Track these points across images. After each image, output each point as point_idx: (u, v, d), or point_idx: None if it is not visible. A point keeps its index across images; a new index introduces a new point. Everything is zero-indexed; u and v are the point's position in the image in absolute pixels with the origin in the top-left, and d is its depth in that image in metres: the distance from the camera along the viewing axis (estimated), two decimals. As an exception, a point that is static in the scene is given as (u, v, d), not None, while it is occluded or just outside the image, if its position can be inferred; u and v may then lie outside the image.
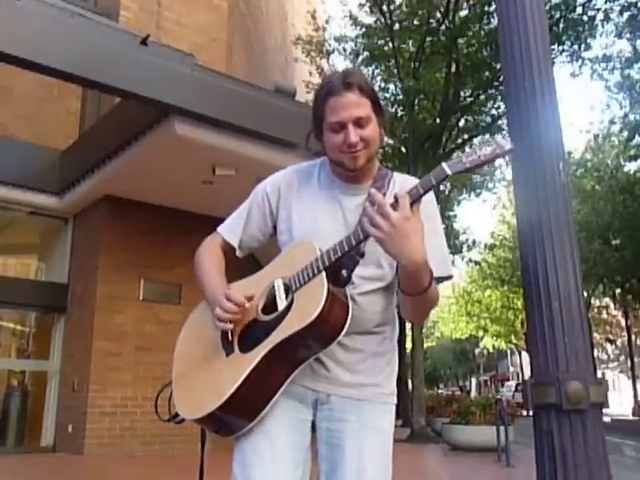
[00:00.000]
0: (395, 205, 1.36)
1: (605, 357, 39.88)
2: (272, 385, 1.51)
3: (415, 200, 1.38)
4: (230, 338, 1.58)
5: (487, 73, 14.50)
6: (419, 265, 1.39)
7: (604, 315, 35.89)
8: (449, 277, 1.64)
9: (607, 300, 32.76)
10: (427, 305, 1.56)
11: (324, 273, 1.48)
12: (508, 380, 49.75)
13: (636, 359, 30.83)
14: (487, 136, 17.68)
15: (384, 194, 1.58)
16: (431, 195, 1.57)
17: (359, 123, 1.55)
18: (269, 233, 1.76)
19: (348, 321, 1.47)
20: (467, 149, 19.01)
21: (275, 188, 1.73)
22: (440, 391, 45.12)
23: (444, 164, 1.39)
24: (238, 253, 1.78)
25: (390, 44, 15.18)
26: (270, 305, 1.55)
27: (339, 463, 1.55)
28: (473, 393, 51.09)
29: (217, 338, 1.61)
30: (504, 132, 16.52)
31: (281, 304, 1.52)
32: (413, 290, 1.46)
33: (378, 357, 1.64)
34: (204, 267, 1.74)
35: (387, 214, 1.34)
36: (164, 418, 1.70)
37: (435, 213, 1.68)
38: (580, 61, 14.74)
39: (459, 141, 16.89)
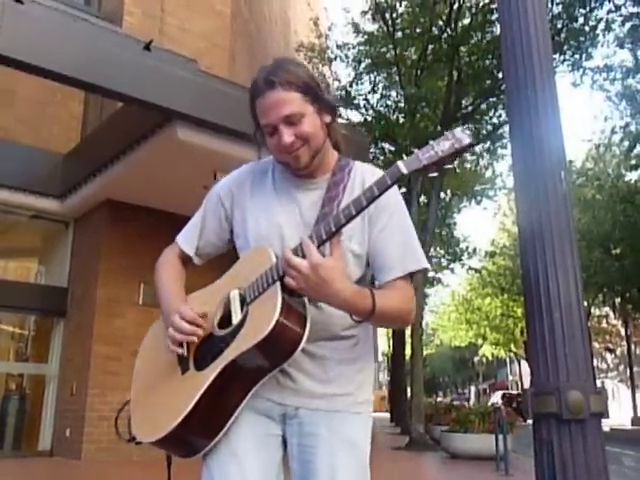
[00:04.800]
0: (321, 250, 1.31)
1: (605, 366, 39.80)
2: (231, 403, 1.43)
3: (371, 201, 1.31)
4: (186, 354, 1.49)
5: (489, 81, 14.53)
6: (348, 303, 1.36)
7: (604, 324, 35.85)
8: (423, 270, 1.53)
9: (607, 309, 32.75)
10: (386, 321, 1.51)
11: (278, 283, 1.37)
12: (505, 389, 49.73)
13: (635, 369, 30.77)
14: (488, 144, 17.80)
15: (344, 186, 1.52)
16: (392, 191, 1.46)
17: (290, 121, 1.45)
18: (227, 238, 1.67)
19: (306, 333, 1.37)
20: (468, 157, 19.11)
21: (228, 190, 1.66)
22: (439, 399, 45.07)
23: (400, 162, 1.30)
24: (196, 261, 1.71)
25: (392, 52, 15.23)
26: (227, 318, 1.46)
27: (310, 479, 1.46)
28: (472, 401, 50.96)
29: (172, 355, 1.53)
30: (505, 140, 16.59)
31: (236, 317, 1.42)
32: (358, 317, 1.41)
33: (349, 364, 1.54)
34: (161, 279, 1.67)
35: (295, 266, 1.31)
36: (125, 438, 1.61)
37: (397, 209, 1.56)
38: (581, 71, 14.77)
39: (460, 149, 16.89)
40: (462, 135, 1.28)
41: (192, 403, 1.38)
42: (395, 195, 1.56)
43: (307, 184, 1.57)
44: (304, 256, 1.32)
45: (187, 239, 1.69)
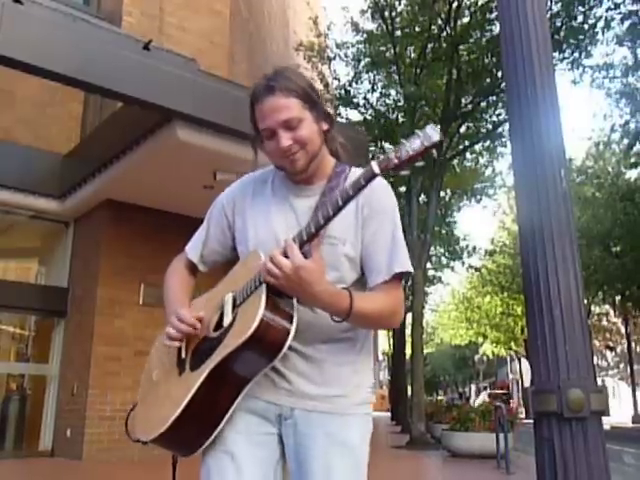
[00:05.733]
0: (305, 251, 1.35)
1: (605, 364, 39.80)
2: (223, 401, 1.46)
3: (347, 201, 1.34)
4: (183, 356, 1.55)
5: (488, 80, 14.52)
6: (325, 304, 1.41)
7: (604, 322, 35.84)
8: (407, 273, 1.55)
9: (607, 307, 32.75)
10: (368, 323, 1.53)
11: (264, 286, 1.39)
12: (506, 387, 49.77)
13: (636, 366, 30.77)
14: (487, 142, 17.79)
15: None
16: (386, 195, 1.56)
17: (289, 126, 1.49)
18: (230, 246, 1.72)
19: (291, 335, 1.39)
20: (468, 155, 19.11)
21: (230, 200, 1.71)
22: (440, 398, 45.11)
23: (373, 162, 1.33)
24: (201, 268, 1.77)
25: (391, 50, 15.21)
26: (221, 321, 1.50)
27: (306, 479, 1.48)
28: (473, 399, 50.99)
29: (173, 357, 1.60)
30: (505, 139, 16.58)
31: (226, 320, 1.47)
32: (337, 318, 1.44)
33: (346, 366, 1.55)
34: (167, 287, 1.76)
35: (278, 264, 1.34)
36: (133, 438, 1.64)
37: (389, 214, 1.58)
38: (581, 69, 14.77)
39: (460, 147, 16.91)
40: (432, 132, 1.29)
41: (184, 403, 1.41)
42: (388, 199, 1.59)
43: (304, 190, 1.60)
44: (288, 257, 1.35)
45: (193, 248, 1.76)
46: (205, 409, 1.45)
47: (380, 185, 1.56)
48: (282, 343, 1.38)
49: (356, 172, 1.57)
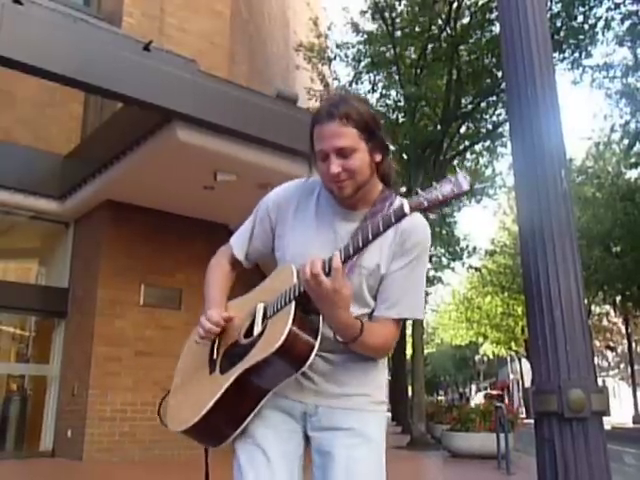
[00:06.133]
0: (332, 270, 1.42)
1: (605, 364, 39.78)
2: (247, 404, 1.57)
3: (376, 236, 1.42)
4: (215, 356, 1.66)
5: (488, 80, 14.53)
6: (339, 328, 1.51)
7: (604, 322, 35.82)
8: (415, 319, 1.72)
9: (607, 307, 32.71)
10: (362, 350, 1.60)
11: (293, 303, 1.49)
12: (506, 388, 49.80)
13: (636, 367, 30.75)
14: (488, 143, 17.79)
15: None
16: (419, 231, 1.63)
17: (342, 153, 1.54)
18: (271, 246, 1.80)
19: (315, 350, 1.48)
20: (468, 155, 19.11)
21: (276, 205, 1.76)
22: (440, 398, 45.16)
23: (405, 203, 1.39)
24: (245, 265, 1.85)
25: (392, 51, 15.21)
26: (252, 328, 1.60)
27: (329, 470, 1.58)
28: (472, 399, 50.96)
29: (206, 355, 1.70)
30: (505, 139, 16.57)
31: (256, 329, 1.56)
32: (341, 339, 1.54)
33: (366, 369, 1.66)
34: (208, 284, 1.81)
35: (320, 283, 1.42)
36: (166, 424, 1.75)
37: (420, 255, 1.65)
38: (581, 69, 14.78)
39: (460, 148, 16.92)
40: (463, 181, 1.35)
41: (210, 404, 1.54)
42: (424, 237, 1.66)
43: (347, 214, 1.66)
44: (329, 269, 1.43)
45: (239, 245, 1.83)
46: (231, 409, 1.56)
47: (420, 225, 1.64)
48: (307, 357, 1.48)
49: (399, 198, 1.64)
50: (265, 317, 1.57)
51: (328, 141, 1.54)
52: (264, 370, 1.50)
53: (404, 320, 1.67)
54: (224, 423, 1.59)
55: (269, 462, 1.59)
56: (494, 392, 40.75)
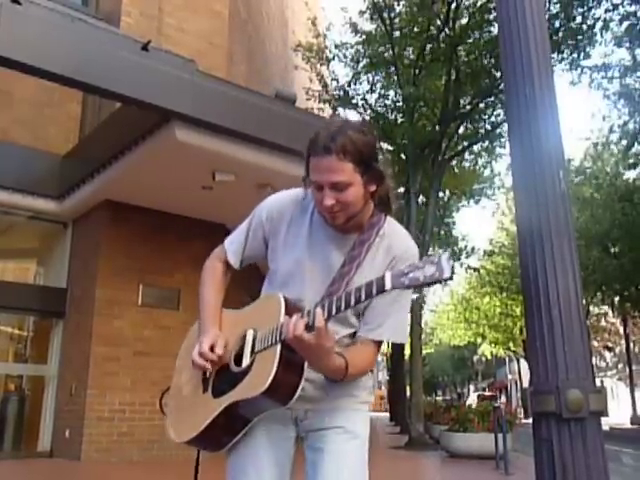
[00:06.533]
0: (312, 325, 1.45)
1: (603, 365, 39.82)
2: (237, 427, 1.67)
3: (358, 303, 1.44)
4: (207, 376, 1.73)
5: (487, 81, 14.54)
6: (325, 373, 1.58)
7: (602, 323, 35.86)
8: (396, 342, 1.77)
9: (606, 308, 32.74)
10: (352, 379, 1.67)
11: (279, 346, 1.52)
12: (504, 388, 49.87)
13: (634, 367, 30.79)
14: (486, 143, 17.78)
15: (368, 246, 1.66)
16: (409, 256, 1.66)
17: (336, 187, 1.56)
18: (264, 255, 1.84)
19: (299, 389, 1.54)
20: (466, 156, 19.12)
21: (270, 216, 1.78)
22: (439, 398, 45.21)
23: (387, 277, 1.39)
24: (237, 268, 1.89)
25: (390, 51, 15.21)
26: (241, 353, 1.67)
27: (320, 463, 1.66)
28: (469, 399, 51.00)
29: (201, 372, 1.77)
30: (503, 139, 16.58)
31: (245, 361, 1.63)
32: (329, 379, 1.62)
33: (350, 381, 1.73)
34: (202, 295, 1.85)
35: (302, 342, 1.45)
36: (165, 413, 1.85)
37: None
38: (579, 69, 14.80)
39: (459, 148, 16.92)
40: (446, 267, 1.33)
41: (205, 424, 1.64)
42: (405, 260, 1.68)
43: (339, 239, 1.70)
44: (313, 323, 1.45)
45: (233, 251, 1.86)
46: (224, 429, 1.67)
47: (411, 252, 1.71)
48: (292, 394, 1.54)
49: (393, 228, 1.73)
50: (253, 350, 1.62)
51: (324, 175, 1.56)
52: (252, 404, 1.58)
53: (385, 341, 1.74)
54: (220, 437, 1.69)
55: (260, 470, 1.67)
56: (487, 393, 41.84)
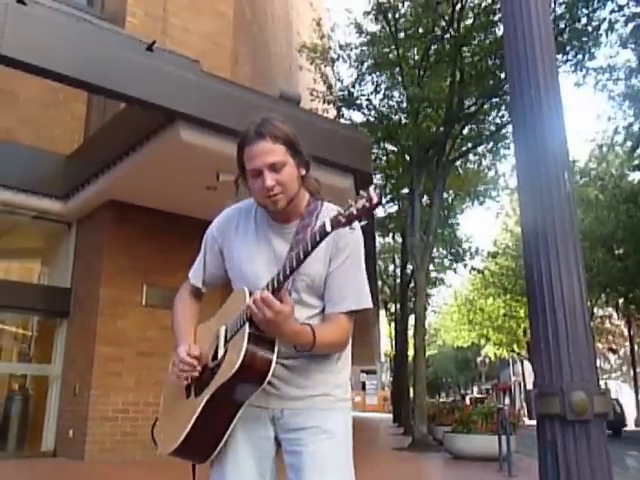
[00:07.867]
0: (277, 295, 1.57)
1: (608, 367, 39.69)
2: (222, 421, 1.70)
3: (307, 255, 1.54)
4: (190, 382, 1.80)
5: (491, 82, 14.50)
6: (292, 339, 1.64)
7: (607, 325, 35.75)
8: (363, 310, 1.79)
9: (610, 310, 32.65)
10: (325, 351, 1.74)
11: (247, 325, 1.61)
12: (508, 389, 49.76)
13: (639, 369, 30.68)
14: (491, 144, 17.77)
15: (311, 229, 1.71)
16: (350, 232, 1.69)
17: (274, 168, 1.69)
18: (225, 269, 1.93)
19: (273, 363, 1.61)
20: (471, 157, 19.12)
21: (220, 230, 1.92)
22: (442, 400, 45.19)
23: (326, 221, 1.51)
24: (203, 290, 2.01)
25: (395, 52, 15.20)
26: (217, 351, 1.75)
27: (300, 467, 1.70)
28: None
29: (183, 381, 1.84)
30: (508, 140, 16.55)
31: (220, 352, 1.71)
32: (301, 349, 1.67)
33: (326, 372, 1.79)
34: (175, 316, 1.97)
35: (262, 309, 1.55)
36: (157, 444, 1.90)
37: (354, 251, 1.78)
38: (584, 71, 14.74)
39: (463, 149, 16.90)
40: (373, 195, 1.46)
41: (189, 426, 1.67)
42: (353, 237, 1.78)
43: (282, 229, 1.81)
44: (273, 291, 1.58)
45: (195, 275, 2.00)
46: (208, 428, 1.69)
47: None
48: (267, 370, 1.61)
49: (328, 209, 1.79)
50: (226, 340, 1.71)
51: (260, 158, 1.70)
52: (231, 389, 1.62)
53: (354, 312, 1.78)
54: (205, 441, 1.72)
55: (239, 470, 1.74)
56: (479, 395, 43.18)
